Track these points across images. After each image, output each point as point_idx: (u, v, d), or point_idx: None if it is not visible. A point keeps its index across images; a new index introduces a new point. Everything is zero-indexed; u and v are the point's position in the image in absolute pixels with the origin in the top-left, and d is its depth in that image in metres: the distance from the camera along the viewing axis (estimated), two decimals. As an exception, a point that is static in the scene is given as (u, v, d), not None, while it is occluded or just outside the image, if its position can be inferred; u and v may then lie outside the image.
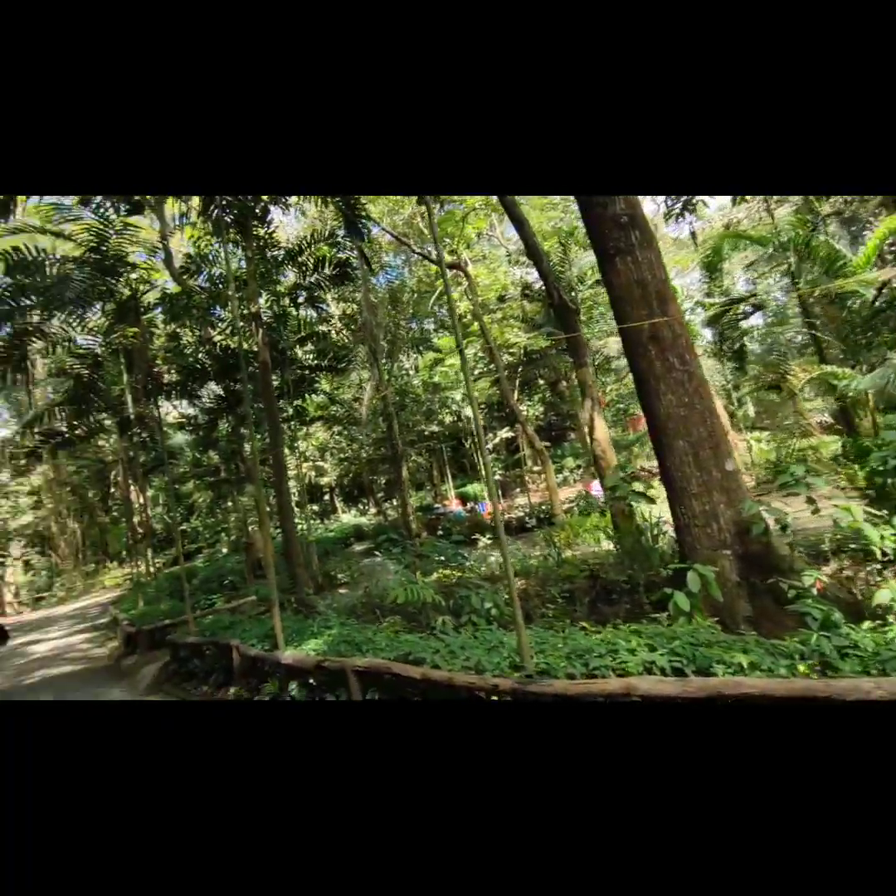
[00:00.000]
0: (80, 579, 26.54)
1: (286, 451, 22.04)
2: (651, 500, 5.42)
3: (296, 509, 28.37)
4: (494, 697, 3.58)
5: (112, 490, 32.34)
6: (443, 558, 8.28)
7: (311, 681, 5.09)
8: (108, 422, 15.11)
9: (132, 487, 32.58)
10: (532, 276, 20.78)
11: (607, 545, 8.53)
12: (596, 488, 17.46)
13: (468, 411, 23.19)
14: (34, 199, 9.99)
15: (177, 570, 16.60)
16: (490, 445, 26.49)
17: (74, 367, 12.73)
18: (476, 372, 23.54)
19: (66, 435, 13.51)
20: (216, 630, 7.02)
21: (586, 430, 8.85)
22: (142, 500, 32.69)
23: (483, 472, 24.71)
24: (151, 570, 18.98)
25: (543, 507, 15.31)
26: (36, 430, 13.74)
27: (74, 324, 11.20)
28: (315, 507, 28.11)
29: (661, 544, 5.89)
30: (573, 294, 13.92)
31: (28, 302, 10.14)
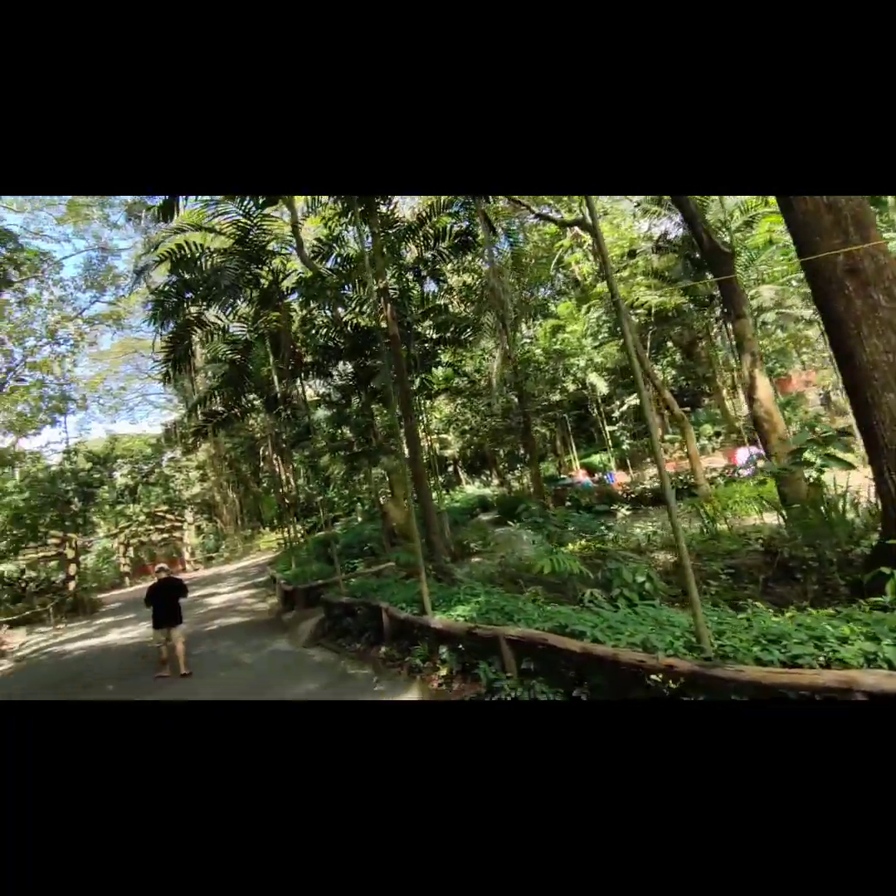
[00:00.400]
0: (239, 542, 30.21)
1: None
2: (850, 466, 4.63)
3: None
4: (669, 682, 3.30)
5: (262, 464, 36.11)
6: (577, 528, 7.97)
7: (459, 646, 5.16)
8: (256, 402, 16.66)
9: (277, 461, 36.14)
10: (663, 227, 18.94)
11: (769, 518, 7.62)
12: (741, 456, 15.75)
13: (592, 378, 22.11)
14: (190, 200, 11.06)
15: (321, 535, 18.12)
16: (617, 413, 25.12)
17: (228, 353, 14.11)
18: (600, 336, 22.34)
19: (224, 415, 15.15)
20: (366, 591, 7.44)
21: (742, 390, 7.88)
22: (286, 473, 36.08)
23: (608, 441, 23.58)
24: (297, 535, 20.98)
25: (682, 478, 14.17)
26: (200, 411, 15.67)
27: (227, 313, 12.36)
28: (439, 479, 28.97)
29: (855, 517, 5.05)
30: (723, 237, 12.34)
31: (190, 295, 11.39)
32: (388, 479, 15.62)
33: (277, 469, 36.05)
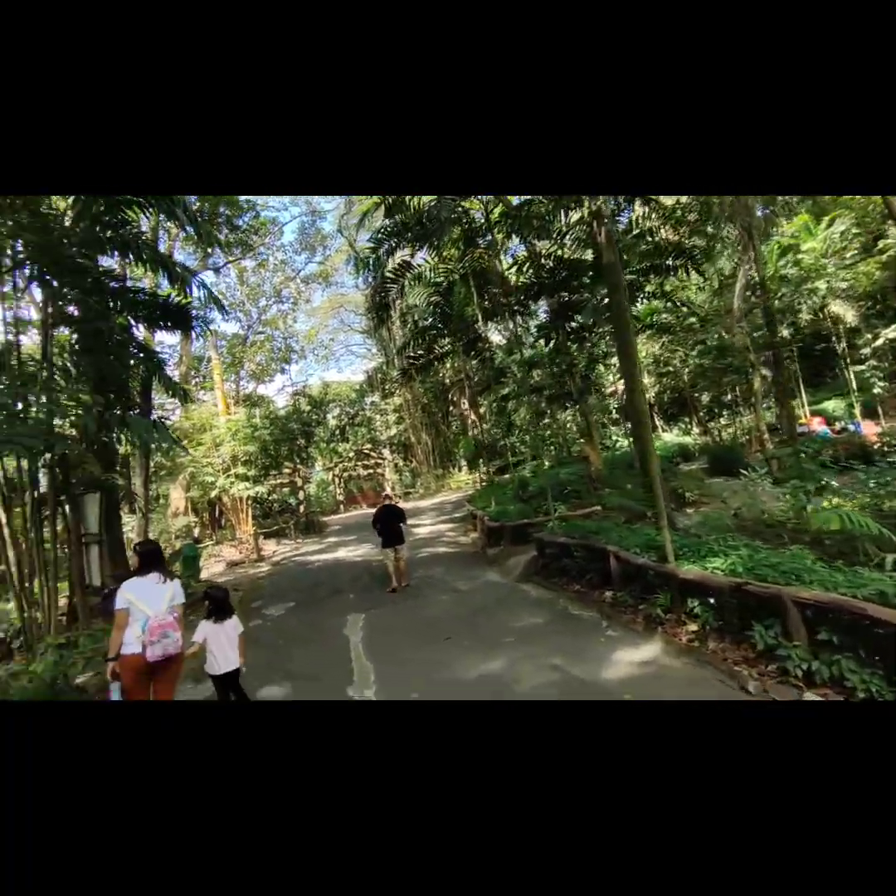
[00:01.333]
0: (432, 480, 32.49)
1: (601, 368, 21.50)
2: None
3: (612, 428, 28.03)
4: None
5: (451, 408, 37.96)
6: (825, 482, 6.56)
7: (711, 600, 4.60)
8: (453, 345, 17.08)
9: (466, 405, 37.54)
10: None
11: None
12: None
13: (836, 307, 18.14)
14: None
15: (515, 476, 18.44)
16: (867, 350, 20.37)
17: (430, 297, 14.50)
18: (849, 255, 18.01)
19: (424, 359, 15.86)
20: (585, 533, 7.17)
21: None
22: (474, 417, 37.29)
23: (852, 384, 19.33)
24: (490, 476, 21.68)
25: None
26: (403, 356, 16.66)
27: (433, 253, 12.58)
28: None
29: None
30: None
31: (398, 240, 11.77)
32: (586, 421, 14.90)
33: (466, 412, 37.58)
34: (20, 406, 5.85)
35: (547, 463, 20.99)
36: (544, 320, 14.93)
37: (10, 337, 6.99)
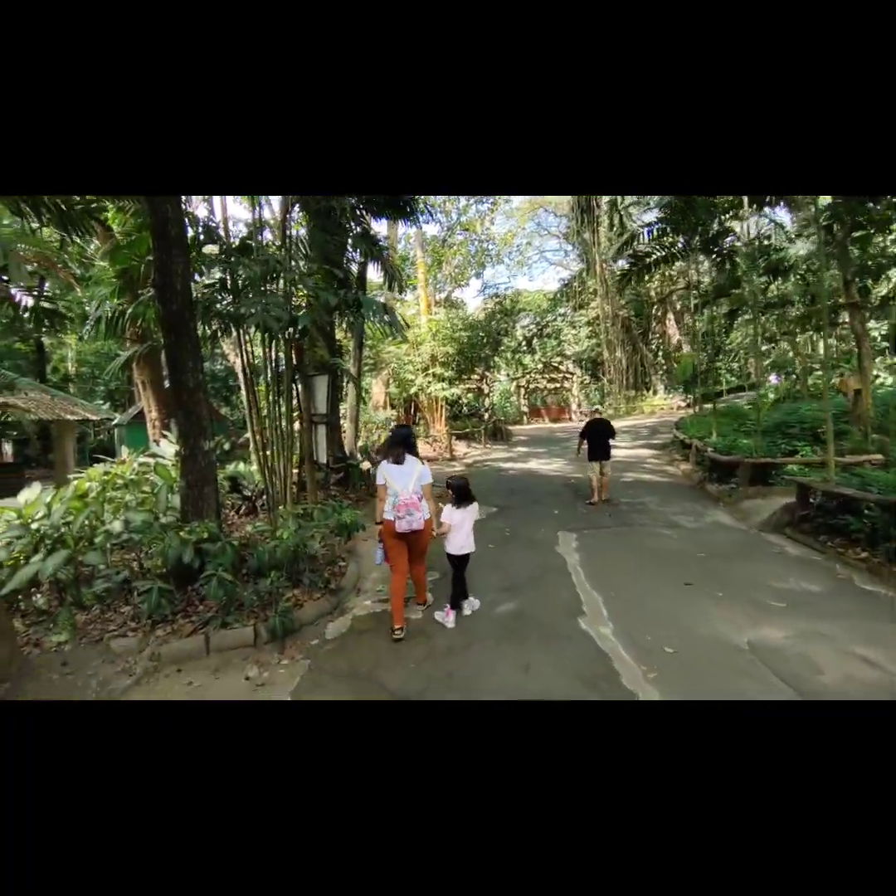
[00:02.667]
0: (623, 402, 30.04)
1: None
2: None
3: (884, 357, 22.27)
4: None
5: (653, 324, 33.94)
6: None
7: None
8: (683, 244, 14.35)
9: (673, 322, 33.19)
10: None
11: None
12: None
13: None
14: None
15: (732, 405, 15.83)
16: None
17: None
18: None
19: (653, 257, 13.58)
20: (886, 487, 5.41)
21: None
22: (679, 337, 32.99)
23: None
24: (688, 402, 18.97)
25: None
26: (625, 252, 14.53)
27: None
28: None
29: None
30: None
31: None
32: (858, 348, 11.61)
33: (670, 332, 33.34)
34: (265, 286, 6.00)
35: (769, 394, 17.62)
36: (823, 209, 11.49)
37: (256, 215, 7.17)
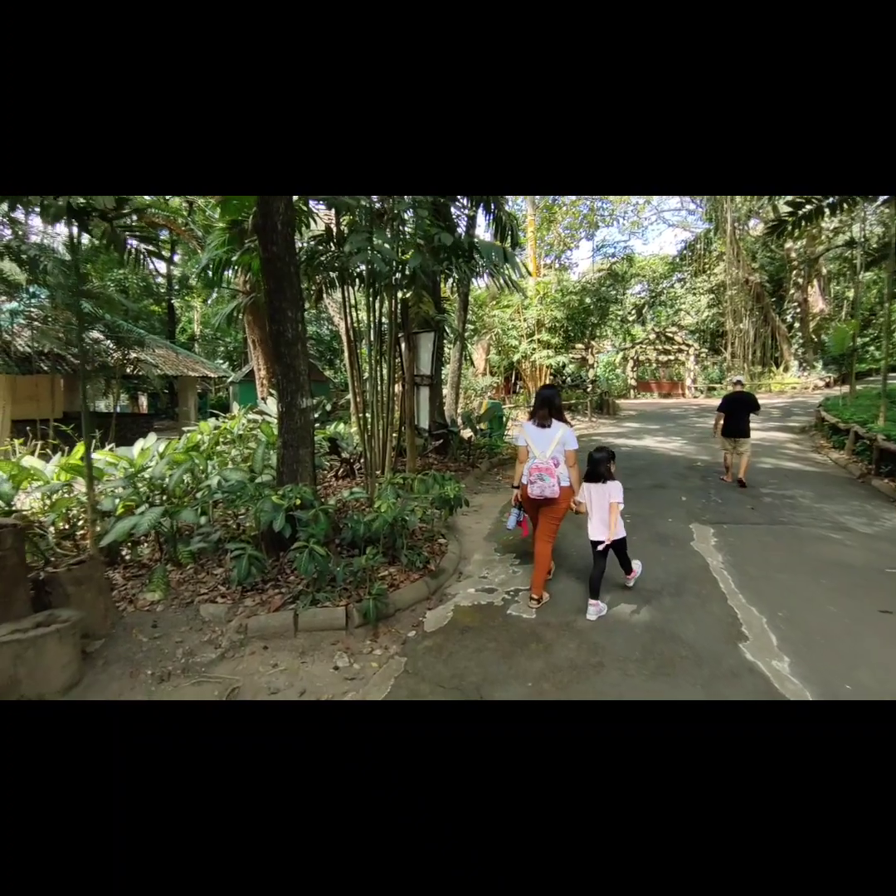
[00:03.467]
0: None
1: None
2: None
3: None
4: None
5: (792, 292, 29.72)
6: None
7: None
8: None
9: (814, 289, 28.87)
10: None
11: None
12: None
13: None
14: None
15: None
16: None
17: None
18: None
19: (814, 206, 11.33)
20: None
21: None
22: (822, 305, 28.73)
23: None
24: (829, 381, 16.16)
25: None
26: (774, 201, 12.35)
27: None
28: None
29: None
30: None
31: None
32: None
33: (811, 300, 29.07)
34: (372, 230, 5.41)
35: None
36: None
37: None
